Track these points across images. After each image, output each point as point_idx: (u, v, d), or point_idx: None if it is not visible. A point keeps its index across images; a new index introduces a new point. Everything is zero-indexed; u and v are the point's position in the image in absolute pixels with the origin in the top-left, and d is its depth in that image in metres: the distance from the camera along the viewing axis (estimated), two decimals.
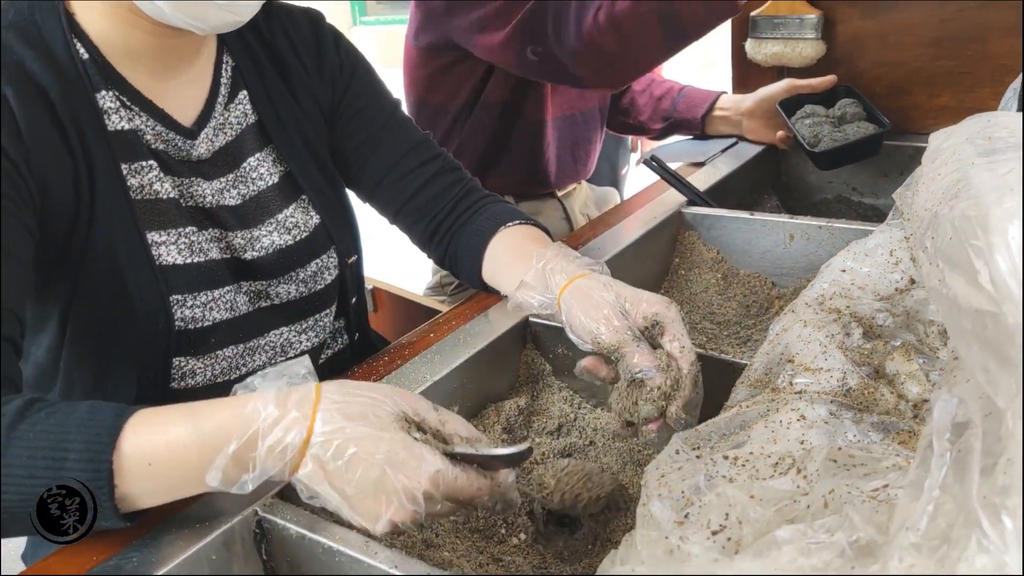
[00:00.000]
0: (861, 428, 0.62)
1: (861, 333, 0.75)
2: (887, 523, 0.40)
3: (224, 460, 0.58)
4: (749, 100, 1.55)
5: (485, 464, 0.61)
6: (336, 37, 1.01)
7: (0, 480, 0.57)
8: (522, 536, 0.78)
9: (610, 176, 2.19)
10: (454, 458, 0.59)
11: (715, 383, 0.83)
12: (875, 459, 0.52)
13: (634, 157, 2.40)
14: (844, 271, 0.83)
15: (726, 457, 0.52)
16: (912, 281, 0.80)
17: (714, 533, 0.45)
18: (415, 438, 0.59)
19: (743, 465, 0.51)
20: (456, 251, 1.02)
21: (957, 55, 1.43)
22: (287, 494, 0.67)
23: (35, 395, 0.63)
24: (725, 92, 1.63)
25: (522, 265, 0.89)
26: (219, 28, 0.81)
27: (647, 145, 2.33)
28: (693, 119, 1.60)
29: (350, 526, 0.61)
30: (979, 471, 0.38)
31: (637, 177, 2.28)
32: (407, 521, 0.57)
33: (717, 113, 1.58)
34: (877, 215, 1.48)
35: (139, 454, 0.59)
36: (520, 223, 0.98)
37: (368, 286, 1.55)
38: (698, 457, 0.59)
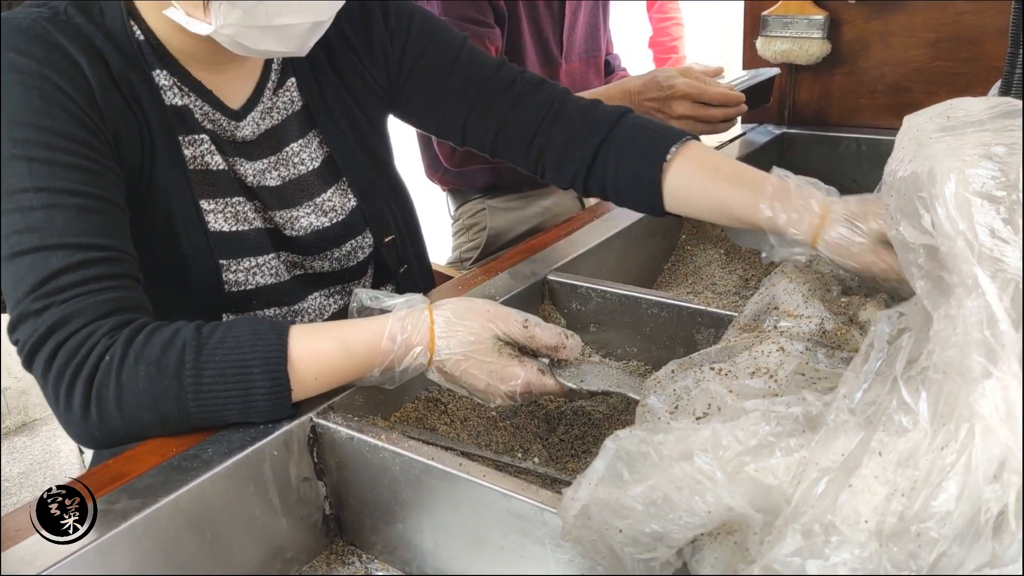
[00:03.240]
0: (832, 361, 0.73)
1: (840, 290, 0.86)
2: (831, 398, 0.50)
3: (374, 374, 0.77)
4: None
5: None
6: (384, 10, 1.01)
7: (200, 396, 0.72)
8: (536, 460, 0.88)
9: None
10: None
11: (713, 335, 0.93)
12: (836, 374, 0.63)
13: None
14: None
15: (712, 368, 0.63)
16: None
17: (698, 419, 0.56)
18: (508, 354, 0.77)
19: (726, 374, 0.62)
20: (614, 177, 0.99)
21: (953, 56, 1.52)
22: (337, 406, 0.78)
23: (195, 322, 0.76)
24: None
25: (747, 188, 0.89)
26: (270, 55, 0.87)
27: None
28: None
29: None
30: (907, 359, 0.48)
31: None
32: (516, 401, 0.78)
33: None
34: None
35: (306, 369, 0.75)
36: (687, 140, 0.95)
37: None
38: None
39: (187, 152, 0.90)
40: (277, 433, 0.74)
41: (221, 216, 0.92)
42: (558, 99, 1.02)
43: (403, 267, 1.12)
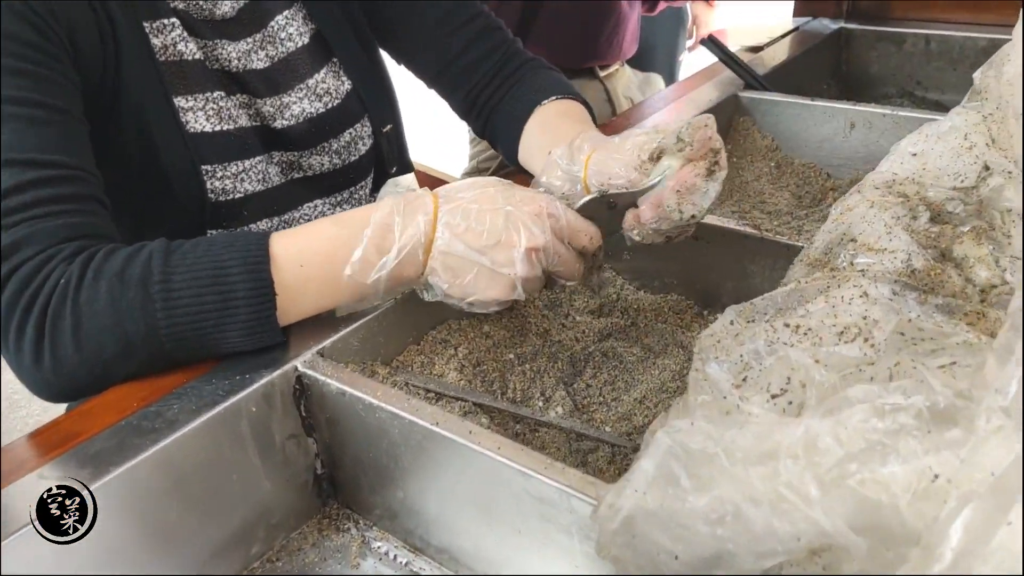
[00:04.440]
0: (925, 309, 0.59)
1: (929, 217, 0.71)
2: (967, 390, 0.37)
3: (365, 239, 0.63)
4: None
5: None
6: None
7: (172, 310, 0.61)
8: (559, 410, 0.77)
9: (667, 62, 2.10)
10: None
11: (769, 267, 0.80)
12: (944, 334, 0.49)
13: (689, 43, 2.30)
14: (914, 154, 0.78)
15: (787, 325, 0.50)
16: (987, 167, 0.76)
17: (774, 396, 0.43)
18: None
19: (805, 334, 0.49)
20: (495, 126, 0.97)
21: None
22: (325, 352, 0.66)
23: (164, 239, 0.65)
24: None
25: (554, 146, 0.83)
26: None
27: (703, 27, 2.23)
28: None
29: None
30: None
31: (691, 66, 2.19)
32: (539, 250, 0.64)
33: None
34: (943, 112, 1.40)
35: (291, 257, 0.63)
36: (559, 98, 0.92)
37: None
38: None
39: (155, 41, 0.78)
40: (256, 385, 0.63)
41: (201, 114, 0.81)
42: (507, 54, 0.97)
43: (394, 168, 1.01)
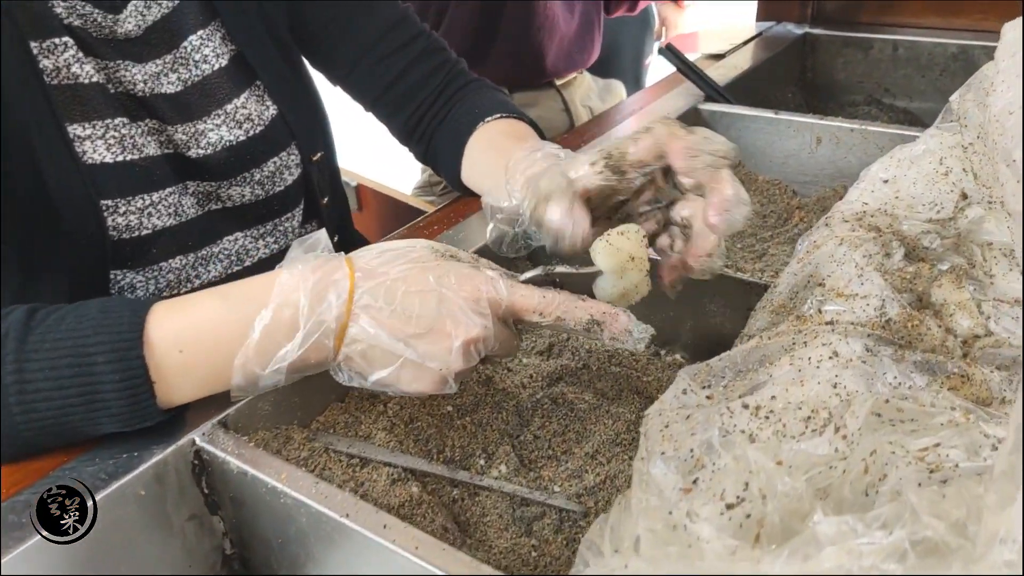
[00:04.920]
0: (903, 368, 0.52)
1: (903, 254, 0.65)
2: (960, 516, 0.30)
3: (259, 328, 0.52)
4: None
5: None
6: None
7: (27, 400, 0.52)
8: (503, 468, 0.70)
9: (633, 67, 2.03)
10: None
11: (730, 307, 0.73)
12: (927, 413, 0.43)
13: (657, 45, 2.23)
14: (886, 181, 0.72)
15: (746, 406, 0.42)
16: (964, 196, 0.69)
17: (729, 507, 0.36)
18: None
19: (766, 417, 0.42)
20: (436, 148, 0.90)
21: None
22: (228, 422, 0.58)
23: (34, 304, 0.55)
24: None
25: (498, 167, 0.77)
26: None
27: (671, 30, 2.16)
28: None
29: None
30: None
31: (659, 70, 2.12)
32: (479, 341, 0.54)
33: None
34: (911, 120, 1.35)
35: (169, 342, 0.53)
36: (500, 117, 0.85)
37: (352, 183, 1.43)
38: (709, 399, 0.49)
39: (46, 63, 0.69)
40: (145, 466, 0.54)
41: (101, 143, 0.72)
42: (450, 75, 0.91)
43: (324, 198, 0.93)
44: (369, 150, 2.26)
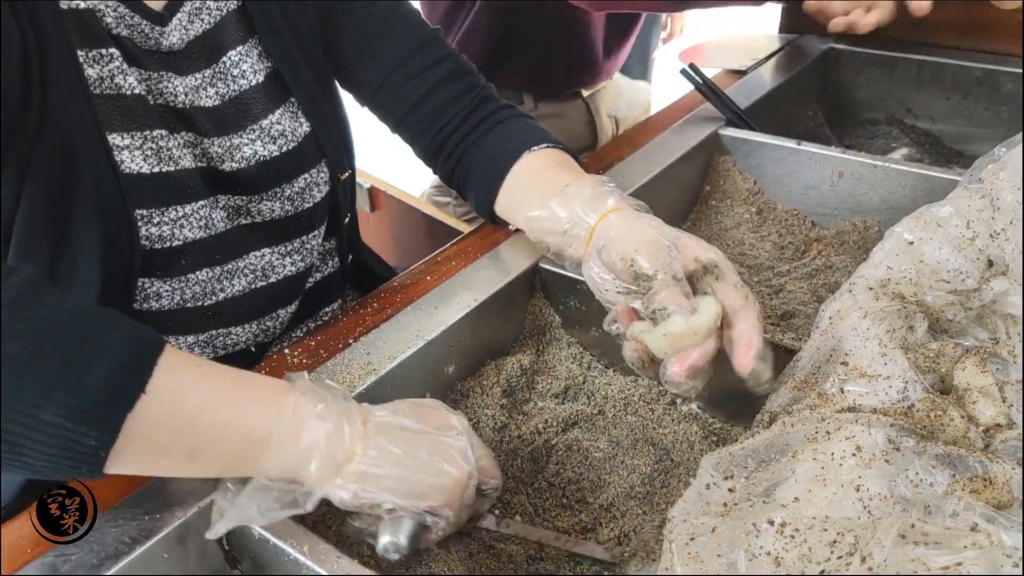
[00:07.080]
0: (924, 462, 0.53)
1: (926, 327, 0.65)
2: None
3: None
4: None
5: None
6: None
7: None
8: (517, 518, 0.70)
9: (640, 61, 1.99)
10: None
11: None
12: (951, 536, 0.43)
13: (663, 35, 2.18)
14: (911, 242, 0.72)
15: (771, 523, 0.43)
16: (990, 263, 0.69)
17: None
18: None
19: (792, 537, 0.42)
20: (468, 172, 0.90)
21: None
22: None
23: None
24: None
25: (546, 195, 0.77)
26: None
27: (678, 22, 2.11)
28: None
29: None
30: None
31: (665, 61, 2.08)
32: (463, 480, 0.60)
33: None
34: (932, 143, 1.33)
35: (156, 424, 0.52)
36: (549, 146, 0.85)
37: (365, 184, 1.43)
38: (731, 491, 0.50)
39: (91, 72, 0.70)
40: (169, 529, 0.55)
41: (139, 154, 0.72)
42: (479, 98, 0.90)
43: (346, 216, 0.94)
44: (383, 150, 2.24)
